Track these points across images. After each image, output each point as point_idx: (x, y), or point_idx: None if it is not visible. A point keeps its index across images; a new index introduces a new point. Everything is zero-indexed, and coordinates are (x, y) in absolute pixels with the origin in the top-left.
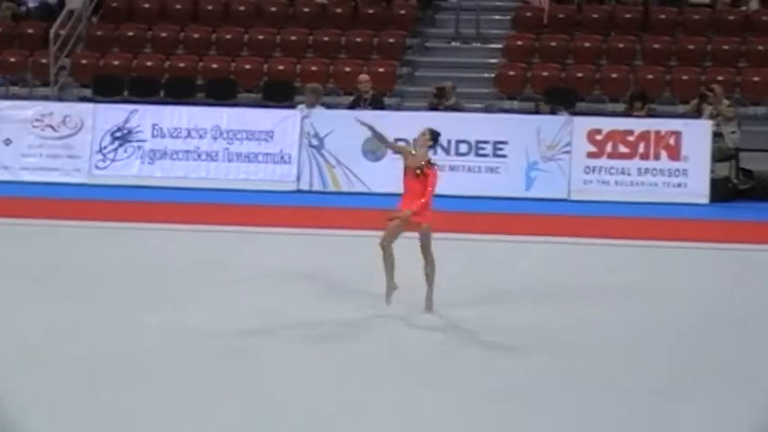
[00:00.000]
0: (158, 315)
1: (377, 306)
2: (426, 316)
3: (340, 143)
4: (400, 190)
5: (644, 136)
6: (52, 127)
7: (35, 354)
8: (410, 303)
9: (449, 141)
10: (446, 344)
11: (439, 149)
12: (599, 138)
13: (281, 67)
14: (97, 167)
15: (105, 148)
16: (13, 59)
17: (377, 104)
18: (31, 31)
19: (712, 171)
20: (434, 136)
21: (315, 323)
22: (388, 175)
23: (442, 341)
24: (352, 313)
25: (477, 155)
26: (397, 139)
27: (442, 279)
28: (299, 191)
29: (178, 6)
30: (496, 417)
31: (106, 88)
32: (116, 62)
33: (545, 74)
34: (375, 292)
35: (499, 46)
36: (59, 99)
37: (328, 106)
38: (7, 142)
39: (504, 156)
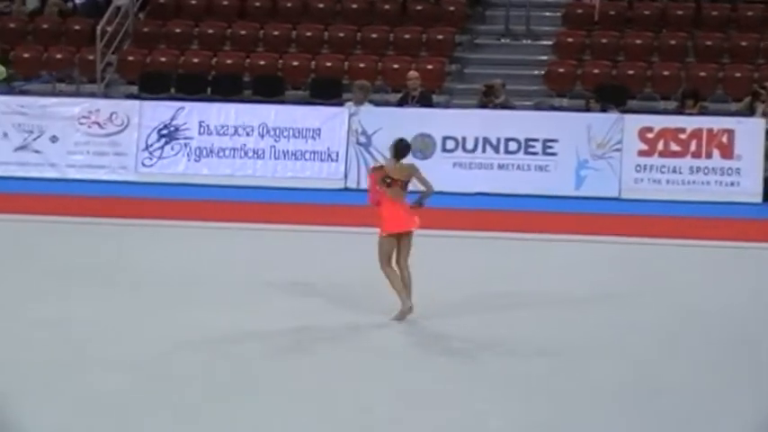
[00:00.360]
0: (203, 315)
1: (418, 306)
2: (456, 319)
3: (388, 141)
4: (449, 188)
5: (696, 134)
6: (99, 124)
7: (82, 353)
8: (449, 306)
9: (498, 139)
10: (477, 347)
11: (488, 148)
12: (650, 136)
13: (328, 64)
14: (144, 165)
15: (152, 145)
16: (59, 56)
17: (425, 102)
18: (77, 27)
19: (766, 170)
20: (395, 147)
21: (359, 325)
22: (436, 174)
23: (473, 344)
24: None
25: (527, 153)
26: (446, 138)
27: (487, 279)
28: (346, 189)
29: (225, 3)
30: (526, 419)
31: (153, 85)
32: (163, 59)
33: (596, 71)
34: (419, 292)
35: (549, 43)
36: (106, 96)
37: (376, 103)
38: (54, 139)
39: (554, 154)
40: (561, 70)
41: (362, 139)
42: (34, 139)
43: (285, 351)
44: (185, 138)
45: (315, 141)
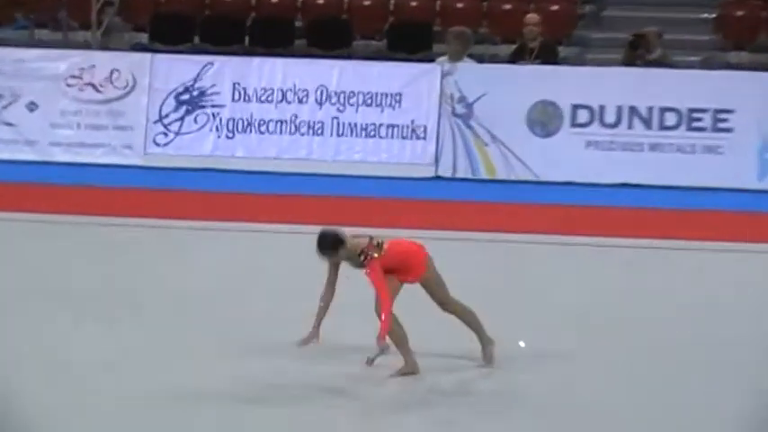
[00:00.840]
0: (233, 347)
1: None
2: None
3: (496, 111)
4: (580, 177)
5: None
6: (94, 86)
7: (87, 394)
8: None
9: (650, 110)
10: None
11: (638, 123)
12: None
13: (413, 4)
14: (156, 143)
15: (167, 116)
16: None
17: (548, 57)
18: None
19: None
20: (323, 245)
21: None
22: (563, 157)
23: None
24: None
25: (691, 128)
26: (576, 107)
27: (622, 310)
28: (437, 178)
29: None
30: None
31: (169, 33)
32: None
33: None
34: (507, 314)
35: None
36: (104, 48)
37: (480, 59)
38: (32, 108)
39: (728, 130)
40: (739, 13)
41: (461, 109)
42: (5, 107)
43: (324, 399)
44: (214, 106)
45: (394, 111)
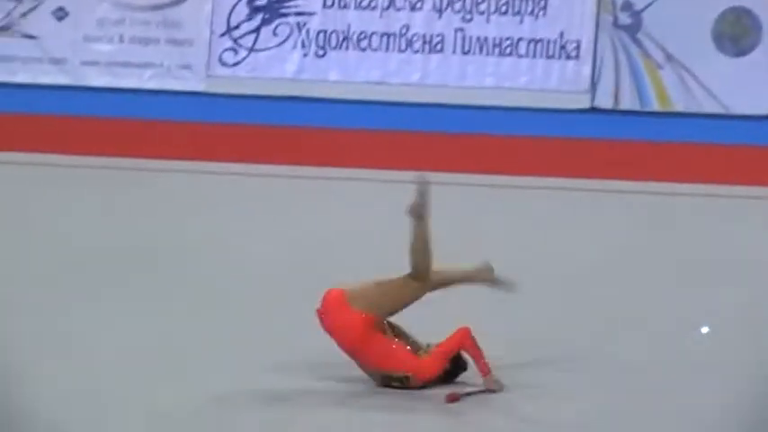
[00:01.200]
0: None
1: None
2: None
3: (673, 21)
4: None
5: None
6: None
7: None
8: None
9: None
10: None
11: None
12: None
13: None
14: (223, 63)
15: (238, 27)
16: None
17: None
18: None
19: None
20: None
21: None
22: (761, 83)
23: None
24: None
25: None
26: None
27: None
28: (593, 110)
29: None
30: None
31: None
32: None
33: None
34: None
35: None
36: None
37: None
38: (60, 15)
39: None
40: None
41: (625, 19)
42: (24, 15)
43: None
44: (299, 13)
45: (536, 22)
